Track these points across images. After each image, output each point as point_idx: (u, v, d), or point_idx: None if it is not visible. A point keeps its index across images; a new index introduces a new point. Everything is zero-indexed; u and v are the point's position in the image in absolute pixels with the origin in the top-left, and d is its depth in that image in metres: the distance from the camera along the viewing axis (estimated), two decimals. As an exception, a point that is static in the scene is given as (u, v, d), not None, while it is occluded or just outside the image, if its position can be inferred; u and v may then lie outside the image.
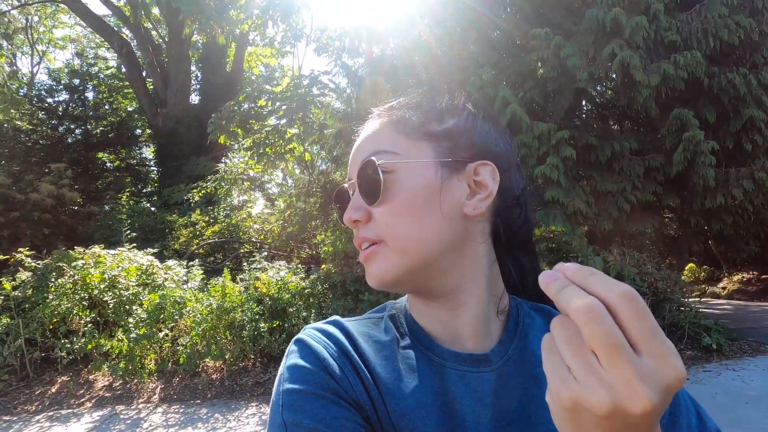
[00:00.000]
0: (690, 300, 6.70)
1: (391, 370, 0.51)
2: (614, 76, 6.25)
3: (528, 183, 0.65)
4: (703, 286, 13.40)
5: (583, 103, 7.87)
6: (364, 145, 0.56)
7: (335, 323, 0.57)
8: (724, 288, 12.71)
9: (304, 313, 5.29)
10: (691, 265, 14.13)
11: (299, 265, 5.95)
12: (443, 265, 0.53)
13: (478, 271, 0.55)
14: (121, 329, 5.08)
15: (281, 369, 0.51)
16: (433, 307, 0.55)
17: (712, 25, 5.63)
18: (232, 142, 9.76)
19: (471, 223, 0.54)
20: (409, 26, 7.31)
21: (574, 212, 5.69)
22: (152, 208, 12.25)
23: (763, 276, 12.05)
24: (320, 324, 0.56)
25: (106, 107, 16.33)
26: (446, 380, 0.51)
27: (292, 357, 0.51)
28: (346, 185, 0.59)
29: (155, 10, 16.10)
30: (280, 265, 5.75)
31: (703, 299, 10.99)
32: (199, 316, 5.08)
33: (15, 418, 4.25)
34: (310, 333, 0.54)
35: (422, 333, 0.55)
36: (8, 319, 4.98)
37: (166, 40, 16.14)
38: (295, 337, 0.54)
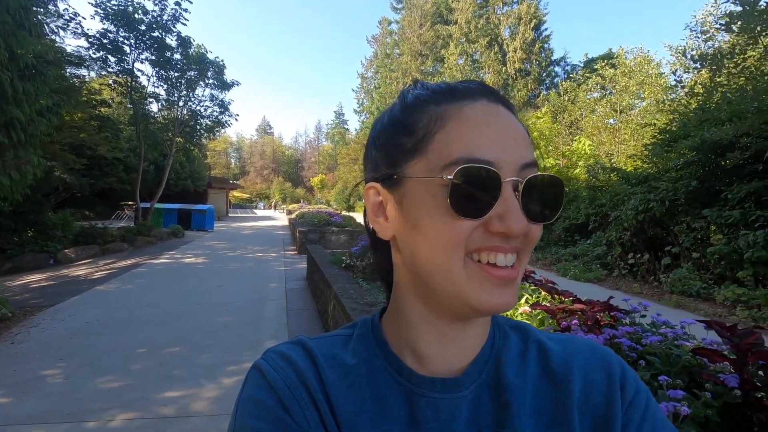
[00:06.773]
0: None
1: (355, 400, 0.47)
2: None
3: None
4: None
5: None
6: (525, 146, 0.44)
7: (300, 344, 0.51)
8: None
9: None
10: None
11: None
12: None
13: None
14: None
15: (237, 399, 0.47)
16: (446, 325, 0.48)
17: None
18: None
19: None
20: None
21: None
22: None
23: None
24: (282, 346, 0.51)
25: None
26: (415, 408, 0.46)
27: (248, 387, 0.47)
28: (507, 178, 0.41)
29: None
30: None
31: None
32: None
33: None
34: (268, 357, 0.49)
35: (392, 355, 0.50)
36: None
37: None
38: (255, 361, 0.50)
